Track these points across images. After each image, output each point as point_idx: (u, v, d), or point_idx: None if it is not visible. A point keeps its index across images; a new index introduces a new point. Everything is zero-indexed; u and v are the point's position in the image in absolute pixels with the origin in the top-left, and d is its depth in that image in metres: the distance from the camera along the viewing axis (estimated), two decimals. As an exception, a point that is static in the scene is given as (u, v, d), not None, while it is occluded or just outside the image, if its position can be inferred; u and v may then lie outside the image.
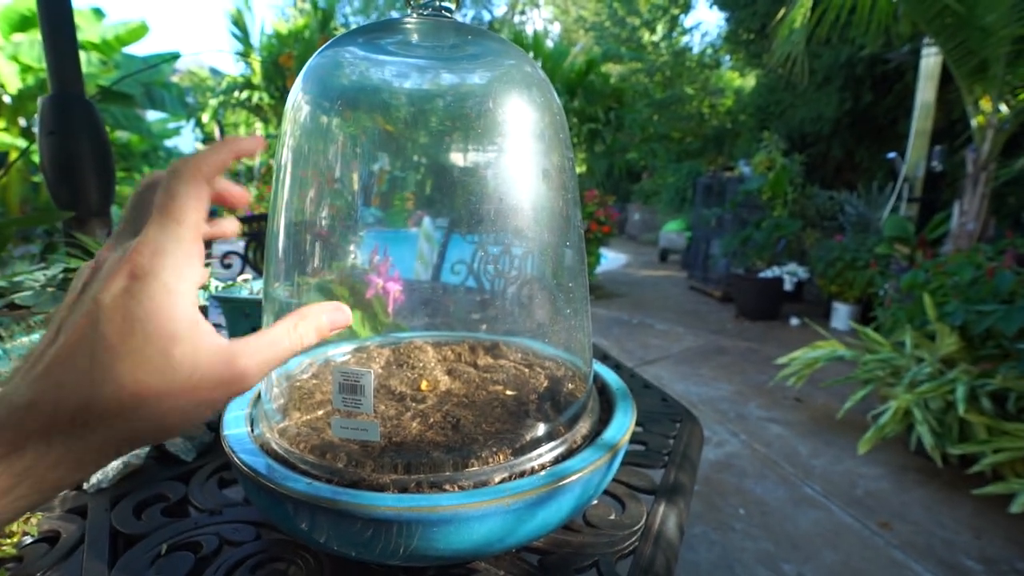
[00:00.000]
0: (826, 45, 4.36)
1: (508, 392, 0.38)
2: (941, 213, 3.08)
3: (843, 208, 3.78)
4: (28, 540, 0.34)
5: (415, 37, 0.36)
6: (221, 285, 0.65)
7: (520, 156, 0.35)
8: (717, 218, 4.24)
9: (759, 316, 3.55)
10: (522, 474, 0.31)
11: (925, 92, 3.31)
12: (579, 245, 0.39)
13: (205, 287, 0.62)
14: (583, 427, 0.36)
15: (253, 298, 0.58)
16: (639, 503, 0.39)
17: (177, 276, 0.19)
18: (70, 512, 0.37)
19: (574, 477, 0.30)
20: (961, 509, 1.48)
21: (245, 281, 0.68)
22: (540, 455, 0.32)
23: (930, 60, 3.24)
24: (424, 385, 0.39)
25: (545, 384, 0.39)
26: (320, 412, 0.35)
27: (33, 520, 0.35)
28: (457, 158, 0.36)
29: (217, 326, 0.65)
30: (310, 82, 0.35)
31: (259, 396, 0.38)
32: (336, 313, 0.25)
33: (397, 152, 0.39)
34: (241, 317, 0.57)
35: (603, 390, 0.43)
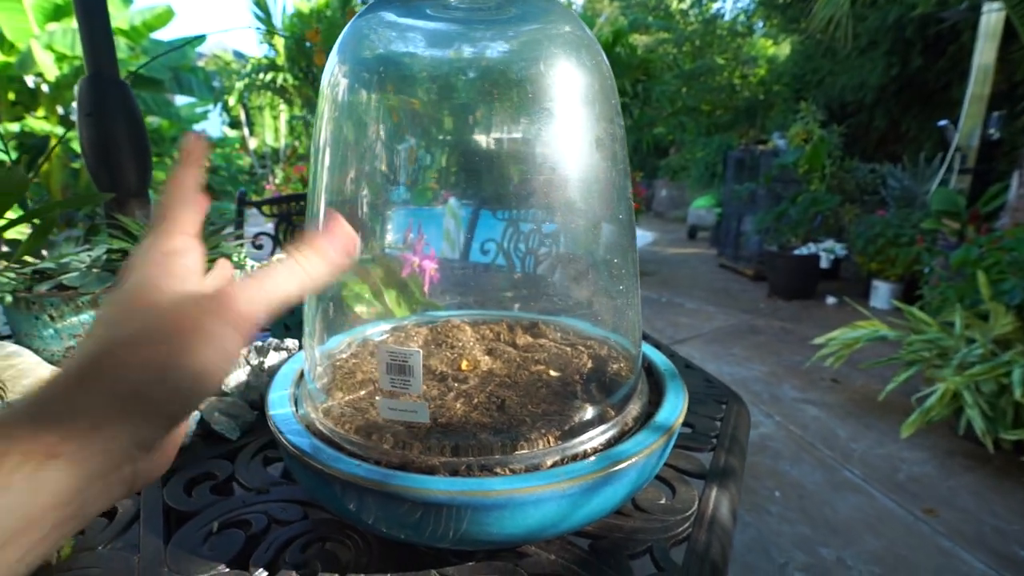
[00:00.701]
0: (872, 7, 4.06)
1: (552, 372, 0.37)
2: (997, 184, 2.87)
3: (886, 182, 3.57)
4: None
5: (454, -3, 0.34)
6: (257, 265, 0.66)
7: (571, 124, 0.33)
8: (750, 193, 4.08)
9: (793, 295, 3.43)
10: (574, 458, 0.29)
11: (985, 53, 3.05)
12: (629, 218, 0.37)
13: (241, 267, 0.62)
14: (633, 409, 0.34)
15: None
16: (689, 487, 0.38)
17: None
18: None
19: (630, 461, 0.28)
20: (1014, 496, 1.41)
21: (278, 261, 0.69)
22: (591, 438, 0.31)
23: (991, 17, 2.97)
24: (464, 365, 0.38)
25: (589, 365, 0.38)
26: (363, 392, 0.34)
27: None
28: (504, 129, 0.34)
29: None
30: (346, 52, 0.34)
31: (302, 375, 0.37)
32: (337, 237, 0.23)
33: (437, 126, 0.37)
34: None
35: (649, 370, 0.41)
